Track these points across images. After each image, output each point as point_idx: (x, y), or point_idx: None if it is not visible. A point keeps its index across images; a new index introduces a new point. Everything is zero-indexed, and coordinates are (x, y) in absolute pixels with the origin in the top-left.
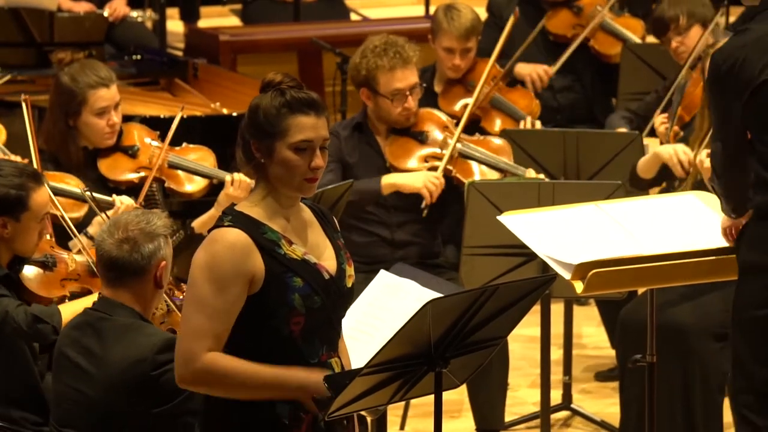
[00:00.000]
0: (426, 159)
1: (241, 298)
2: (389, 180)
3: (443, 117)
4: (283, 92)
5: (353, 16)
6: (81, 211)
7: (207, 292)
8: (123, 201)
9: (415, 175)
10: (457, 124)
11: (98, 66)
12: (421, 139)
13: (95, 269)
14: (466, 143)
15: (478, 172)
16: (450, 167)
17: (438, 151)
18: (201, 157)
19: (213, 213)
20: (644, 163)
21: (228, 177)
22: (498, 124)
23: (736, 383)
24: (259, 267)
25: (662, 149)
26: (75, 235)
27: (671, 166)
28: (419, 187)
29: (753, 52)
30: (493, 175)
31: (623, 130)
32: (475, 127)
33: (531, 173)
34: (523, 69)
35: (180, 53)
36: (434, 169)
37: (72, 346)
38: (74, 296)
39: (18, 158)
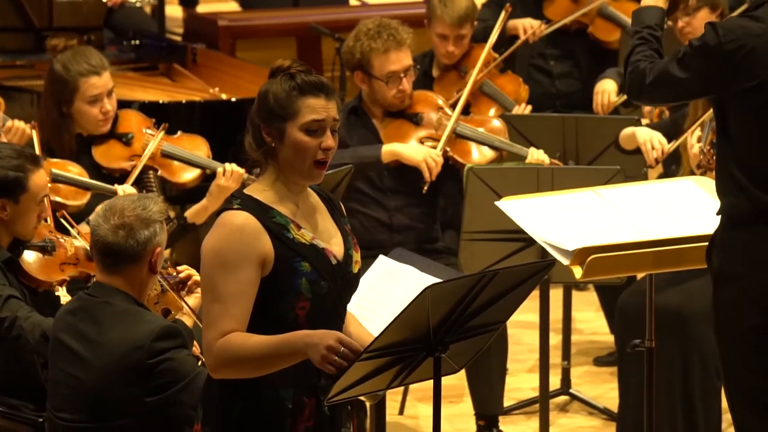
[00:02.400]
0: (422, 140)
1: (254, 280)
2: (390, 148)
3: (438, 99)
4: (293, 76)
5: (352, 2)
6: (83, 200)
7: (218, 278)
8: (125, 190)
9: (416, 147)
10: (452, 106)
11: (90, 53)
12: (416, 120)
13: None
14: (462, 123)
15: (475, 152)
16: (447, 148)
17: (433, 132)
18: (195, 145)
19: (205, 203)
20: (625, 136)
21: (220, 168)
22: (487, 109)
23: (730, 397)
24: (268, 250)
25: (640, 132)
26: (73, 226)
27: (643, 152)
28: (419, 160)
29: (766, 46)
30: (490, 153)
31: (611, 82)
32: (466, 111)
33: (533, 153)
34: (515, 22)
35: (179, 38)
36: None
37: (68, 332)
38: (73, 280)
39: (21, 123)
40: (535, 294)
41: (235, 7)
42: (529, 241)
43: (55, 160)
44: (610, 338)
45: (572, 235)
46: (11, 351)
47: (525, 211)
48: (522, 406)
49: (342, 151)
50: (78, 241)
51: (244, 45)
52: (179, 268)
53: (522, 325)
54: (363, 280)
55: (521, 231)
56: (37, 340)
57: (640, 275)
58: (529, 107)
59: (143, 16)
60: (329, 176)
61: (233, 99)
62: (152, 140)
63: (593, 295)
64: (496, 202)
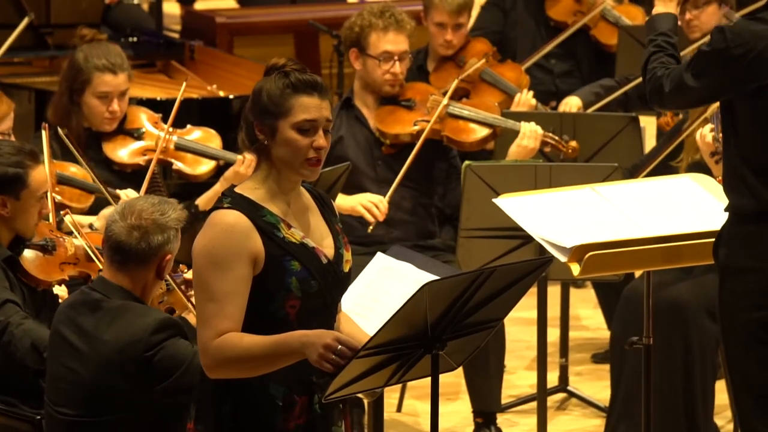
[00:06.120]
0: (415, 122)
1: (247, 278)
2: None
3: (430, 88)
4: (287, 74)
5: None
6: (87, 203)
7: (211, 277)
8: (129, 195)
9: (351, 197)
10: (445, 94)
11: (114, 52)
12: (409, 105)
13: (93, 256)
14: (454, 103)
15: (469, 129)
16: (437, 127)
17: (426, 114)
18: (207, 138)
19: (218, 188)
20: None
21: (239, 156)
22: (488, 96)
23: (734, 389)
24: (259, 248)
25: None
26: (78, 231)
27: None
28: (353, 205)
29: None
30: (484, 131)
31: (577, 99)
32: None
33: (525, 126)
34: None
35: (176, 35)
36: (421, 132)
37: (67, 325)
38: (72, 280)
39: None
40: (533, 291)
41: (232, 3)
42: (527, 239)
43: (57, 162)
44: (608, 335)
45: (570, 232)
46: (9, 353)
47: (523, 208)
48: (520, 403)
49: None
50: (78, 240)
51: (241, 42)
52: (187, 274)
53: (520, 322)
54: (360, 278)
55: (519, 228)
56: (25, 349)
57: (637, 272)
58: (531, 93)
59: (141, 13)
60: (326, 174)
61: (231, 96)
62: (166, 133)
63: (591, 292)
64: (494, 200)
